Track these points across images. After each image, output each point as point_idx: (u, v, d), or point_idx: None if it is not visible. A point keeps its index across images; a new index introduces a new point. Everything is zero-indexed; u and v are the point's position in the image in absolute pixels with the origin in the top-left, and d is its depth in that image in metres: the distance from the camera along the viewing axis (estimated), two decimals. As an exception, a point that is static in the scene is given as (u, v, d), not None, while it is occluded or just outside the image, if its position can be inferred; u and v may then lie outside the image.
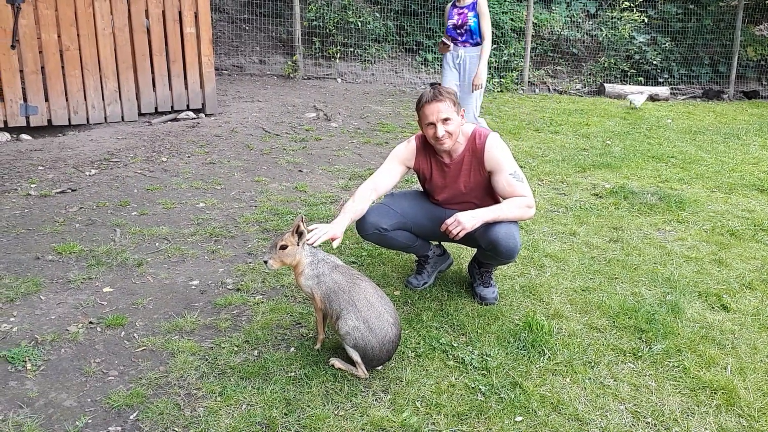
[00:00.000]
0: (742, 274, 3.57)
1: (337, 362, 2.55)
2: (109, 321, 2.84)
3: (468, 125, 3.02)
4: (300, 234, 2.55)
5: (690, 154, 6.50)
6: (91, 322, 2.83)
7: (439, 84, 2.98)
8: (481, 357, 2.64)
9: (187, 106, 6.88)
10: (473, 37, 5.66)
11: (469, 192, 3.03)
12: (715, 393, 2.47)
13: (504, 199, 2.97)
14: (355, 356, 2.47)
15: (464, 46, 5.72)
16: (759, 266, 3.70)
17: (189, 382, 2.43)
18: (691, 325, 2.99)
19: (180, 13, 6.58)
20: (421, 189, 3.26)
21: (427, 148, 3.04)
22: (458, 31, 5.65)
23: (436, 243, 3.40)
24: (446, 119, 2.83)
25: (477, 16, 5.55)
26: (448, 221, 2.80)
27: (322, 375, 2.49)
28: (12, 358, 2.52)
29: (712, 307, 3.19)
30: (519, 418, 2.29)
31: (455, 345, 2.73)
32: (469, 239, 3.03)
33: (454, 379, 2.51)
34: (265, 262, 2.57)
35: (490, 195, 3.05)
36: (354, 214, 2.86)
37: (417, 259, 3.35)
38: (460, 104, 2.93)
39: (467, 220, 2.78)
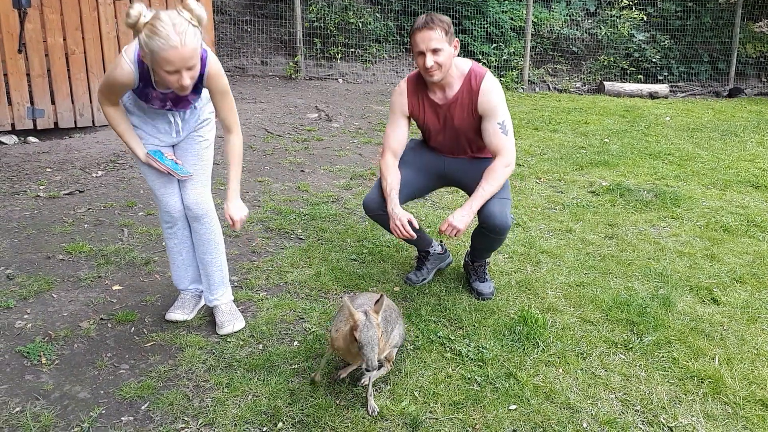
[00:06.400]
0: (734, 269, 3.66)
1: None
2: (119, 317, 2.94)
3: (464, 62, 2.95)
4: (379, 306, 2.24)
5: (687, 152, 6.59)
6: (102, 319, 2.94)
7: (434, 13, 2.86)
8: (477, 349, 2.74)
9: (191, 107, 6.97)
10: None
11: (462, 132, 3.03)
12: (702, 382, 2.57)
13: (486, 143, 2.98)
14: (394, 354, 2.54)
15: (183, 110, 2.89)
16: (750, 261, 3.79)
17: (197, 375, 2.54)
18: (682, 317, 3.08)
19: (183, 16, 6.68)
20: (417, 138, 3.29)
21: (417, 88, 3.00)
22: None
23: (439, 240, 3.50)
24: (436, 50, 2.75)
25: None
26: (443, 227, 2.85)
27: (324, 367, 2.59)
28: (27, 353, 2.63)
29: (703, 301, 3.28)
30: (513, 407, 2.39)
31: (452, 338, 2.83)
32: None
33: (451, 370, 2.61)
34: (371, 369, 2.12)
35: (480, 135, 3.02)
36: (396, 187, 2.94)
37: (417, 255, 3.45)
38: (453, 34, 2.82)
39: (459, 221, 2.83)
